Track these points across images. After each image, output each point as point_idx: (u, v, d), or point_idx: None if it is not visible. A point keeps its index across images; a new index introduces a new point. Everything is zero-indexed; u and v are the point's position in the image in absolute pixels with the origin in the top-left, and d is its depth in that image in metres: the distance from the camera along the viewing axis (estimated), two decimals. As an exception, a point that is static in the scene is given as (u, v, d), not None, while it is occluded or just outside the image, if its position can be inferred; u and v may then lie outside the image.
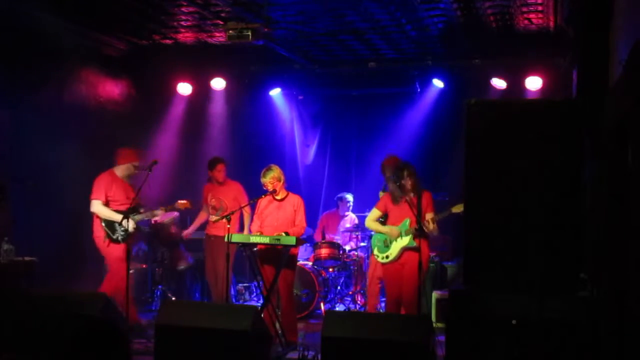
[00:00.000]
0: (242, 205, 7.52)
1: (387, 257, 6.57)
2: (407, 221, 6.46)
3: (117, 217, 6.96)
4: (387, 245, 6.59)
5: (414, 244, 6.40)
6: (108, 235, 7.04)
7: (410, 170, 6.49)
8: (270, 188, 6.67)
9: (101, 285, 7.10)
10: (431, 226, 6.40)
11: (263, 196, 6.77)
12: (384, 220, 6.73)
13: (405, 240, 6.46)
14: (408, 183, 6.44)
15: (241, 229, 7.86)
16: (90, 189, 7.11)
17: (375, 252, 6.74)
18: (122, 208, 7.02)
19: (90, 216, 7.12)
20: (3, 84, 7.07)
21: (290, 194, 6.86)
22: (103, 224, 7.06)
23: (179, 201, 7.54)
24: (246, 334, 4.85)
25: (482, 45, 8.41)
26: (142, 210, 7.22)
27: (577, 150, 4.24)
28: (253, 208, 6.99)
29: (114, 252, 7.06)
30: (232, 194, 7.86)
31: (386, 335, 4.71)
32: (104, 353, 5.08)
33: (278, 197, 6.77)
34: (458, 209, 6.39)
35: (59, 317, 5.08)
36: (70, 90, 8.15)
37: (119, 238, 7.02)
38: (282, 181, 6.73)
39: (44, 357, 5.06)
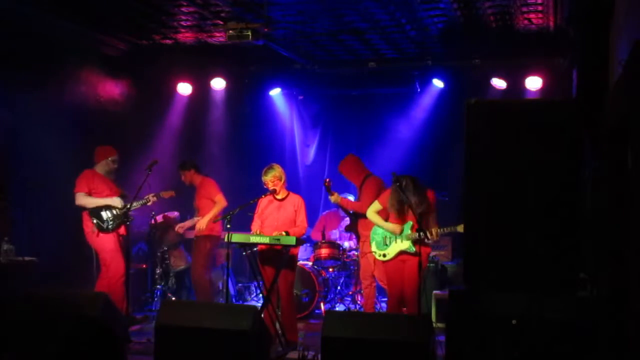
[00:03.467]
0: (214, 199, 7.69)
1: (384, 255, 6.53)
2: (410, 224, 6.42)
3: (104, 201, 7.11)
4: (386, 244, 6.54)
5: (413, 249, 6.35)
6: (97, 225, 7.10)
7: (415, 184, 6.39)
8: (270, 187, 6.67)
9: (97, 282, 7.11)
10: (436, 237, 6.38)
11: (263, 196, 6.77)
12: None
13: (404, 244, 6.42)
14: (413, 199, 6.31)
15: (242, 228, 7.82)
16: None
17: (373, 247, 6.67)
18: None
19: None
20: (3, 84, 7.07)
21: (291, 193, 6.85)
22: (91, 216, 7.14)
23: (162, 192, 7.67)
24: (246, 334, 4.85)
25: (482, 45, 8.42)
26: (135, 200, 7.19)
27: (577, 150, 4.24)
28: (253, 208, 6.99)
29: (105, 244, 7.09)
30: (205, 194, 7.86)
31: (386, 335, 4.71)
32: (103, 353, 5.08)
33: (279, 197, 6.76)
34: (463, 228, 6.29)
35: (59, 317, 5.08)
36: (70, 90, 8.15)
37: (109, 227, 7.05)
38: (283, 180, 6.73)
39: (44, 357, 5.06)
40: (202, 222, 7.71)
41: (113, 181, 7.45)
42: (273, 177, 6.66)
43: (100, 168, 7.39)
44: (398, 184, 6.33)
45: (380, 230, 6.62)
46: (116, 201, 7.20)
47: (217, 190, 7.84)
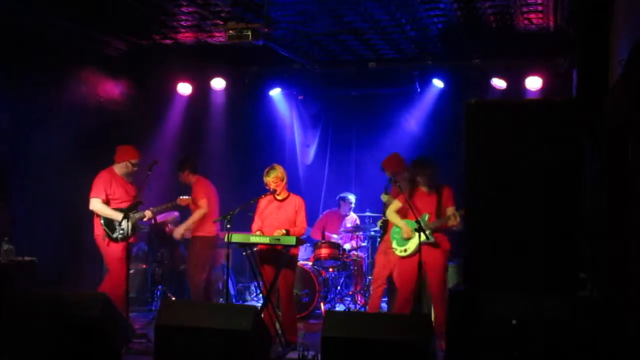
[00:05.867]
0: (198, 202, 7.66)
1: (405, 250, 6.67)
2: (426, 216, 6.51)
3: (116, 215, 6.97)
4: (406, 239, 6.67)
5: (432, 239, 6.46)
6: (107, 235, 7.00)
7: (423, 166, 6.63)
8: (272, 187, 6.68)
9: (100, 285, 7.10)
10: (454, 220, 6.44)
11: (263, 195, 6.78)
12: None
13: (423, 236, 6.47)
14: (421, 179, 6.60)
15: (242, 228, 7.80)
16: (90, 187, 7.08)
17: (394, 245, 6.80)
18: (123, 205, 7.03)
19: (90, 216, 7.12)
20: (3, 84, 7.07)
21: (292, 194, 6.86)
22: (102, 223, 7.02)
23: (180, 197, 7.54)
24: (246, 334, 4.85)
25: (482, 45, 8.41)
26: (137, 211, 7.15)
27: (577, 150, 4.24)
28: (253, 208, 6.99)
29: (113, 252, 7.02)
30: (193, 195, 7.84)
31: (386, 335, 4.71)
32: (103, 353, 5.08)
33: (279, 197, 6.77)
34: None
35: (59, 317, 5.08)
36: (70, 90, 8.15)
37: (118, 237, 6.98)
38: (284, 181, 6.74)
39: (43, 358, 5.06)
40: (177, 232, 7.86)
41: (131, 184, 7.25)
42: (275, 177, 6.67)
43: (119, 169, 7.21)
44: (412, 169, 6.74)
45: (398, 228, 6.79)
46: (126, 223, 6.90)
47: (203, 194, 7.75)
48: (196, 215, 7.72)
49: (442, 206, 6.57)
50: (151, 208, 7.24)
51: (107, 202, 7.06)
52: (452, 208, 6.57)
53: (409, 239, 6.67)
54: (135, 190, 7.23)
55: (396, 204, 6.84)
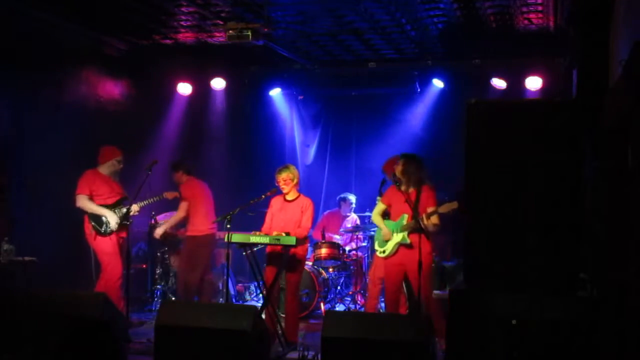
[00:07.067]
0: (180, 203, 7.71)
1: (384, 252, 6.62)
2: (405, 217, 6.48)
3: (100, 210, 7.12)
4: (386, 240, 6.63)
5: (408, 241, 6.41)
6: (95, 228, 7.12)
7: (408, 164, 6.53)
8: (282, 185, 6.71)
9: (97, 283, 7.13)
10: (426, 221, 6.36)
11: (263, 195, 6.80)
12: (388, 215, 6.78)
13: (399, 237, 6.48)
14: (404, 177, 6.51)
15: (242, 228, 7.79)
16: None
17: (376, 246, 6.79)
18: (109, 202, 7.21)
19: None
20: (3, 84, 7.07)
21: (302, 196, 6.86)
22: (90, 218, 7.14)
23: (166, 192, 7.69)
24: (246, 334, 4.85)
25: (482, 45, 8.41)
26: (123, 206, 7.25)
27: (577, 150, 4.24)
28: (253, 208, 7.00)
29: (102, 246, 7.13)
30: (180, 194, 7.89)
31: (386, 335, 4.71)
32: (103, 353, 5.08)
33: (289, 198, 6.80)
34: (444, 208, 6.37)
35: (59, 317, 5.08)
36: (70, 90, 8.15)
37: (106, 230, 7.08)
38: (295, 182, 6.76)
39: (43, 358, 5.06)
40: (157, 232, 7.92)
41: (117, 182, 7.42)
42: (286, 176, 6.71)
43: (105, 169, 7.34)
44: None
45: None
46: (111, 216, 7.13)
47: (184, 197, 7.78)
48: (172, 220, 7.87)
49: (420, 207, 6.44)
50: (138, 202, 7.29)
51: (91, 198, 7.17)
52: (432, 208, 6.43)
53: (388, 240, 6.60)
54: (121, 187, 7.41)
55: (379, 206, 6.79)
